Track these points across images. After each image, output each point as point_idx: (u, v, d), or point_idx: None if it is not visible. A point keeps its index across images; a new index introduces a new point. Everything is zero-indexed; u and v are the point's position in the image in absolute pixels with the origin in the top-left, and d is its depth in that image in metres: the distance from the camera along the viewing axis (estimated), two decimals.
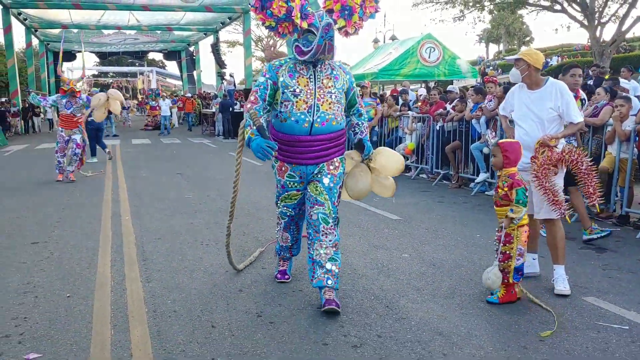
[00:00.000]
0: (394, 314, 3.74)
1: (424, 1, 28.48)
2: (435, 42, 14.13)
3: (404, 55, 13.83)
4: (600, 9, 25.09)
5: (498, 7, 29.65)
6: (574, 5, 26.04)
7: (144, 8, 25.53)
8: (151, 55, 48.31)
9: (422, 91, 11.78)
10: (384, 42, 32.27)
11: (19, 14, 25.26)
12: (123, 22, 29.57)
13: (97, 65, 65.09)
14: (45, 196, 8.45)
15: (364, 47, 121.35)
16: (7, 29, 23.08)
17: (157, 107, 25.38)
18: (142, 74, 61.93)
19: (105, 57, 40.73)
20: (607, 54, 25.03)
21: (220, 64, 34.70)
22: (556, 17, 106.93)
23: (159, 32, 33.08)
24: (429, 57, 13.95)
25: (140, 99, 51.47)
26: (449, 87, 9.37)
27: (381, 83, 17.14)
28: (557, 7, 26.64)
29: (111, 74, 69.22)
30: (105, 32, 33.19)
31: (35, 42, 32.78)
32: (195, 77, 38.77)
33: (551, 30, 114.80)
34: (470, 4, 29.63)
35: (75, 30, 31.94)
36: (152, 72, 56.71)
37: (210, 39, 40.60)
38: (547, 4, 27.16)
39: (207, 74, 48.45)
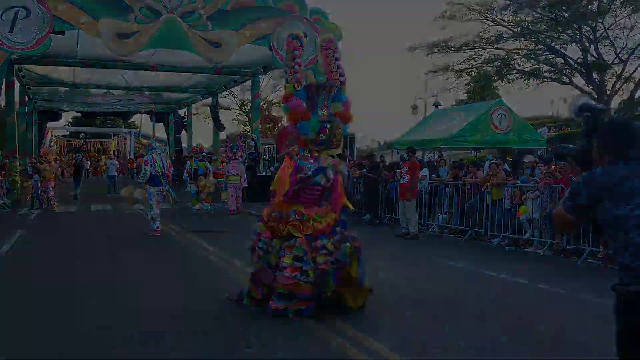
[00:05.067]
0: None
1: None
2: (506, 108, 13.69)
3: (475, 122, 13.27)
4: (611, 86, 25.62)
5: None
6: (580, 76, 26.66)
7: (153, 68, 24.63)
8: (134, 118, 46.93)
9: (530, 158, 11.15)
10: (425, 108, 32.66)
11: (20, 70, 23.91)
12: (121, 82, 28.49)
13: (68, 126, 62.97)
14: None
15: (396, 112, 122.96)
16: (11, 84, 21.61)
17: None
18: (116, 135, 60.14)
19: (92, 117, 39.16)
20: None
21: (218, 126, 33.71)
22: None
23: (147, 92, 31.92)
24: (500, 124, 13.45)
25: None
26: None
27: (440, 150, 16.50)
28: (565, 79, 27.25)
29: (82, 134, 66.97)
30: (93, 92, 31.90)
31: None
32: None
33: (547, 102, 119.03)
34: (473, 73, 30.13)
35: (63, 90, 30.59)
36: (130, 134, 55.09)
37: (200, 102, 39.97)
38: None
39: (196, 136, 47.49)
